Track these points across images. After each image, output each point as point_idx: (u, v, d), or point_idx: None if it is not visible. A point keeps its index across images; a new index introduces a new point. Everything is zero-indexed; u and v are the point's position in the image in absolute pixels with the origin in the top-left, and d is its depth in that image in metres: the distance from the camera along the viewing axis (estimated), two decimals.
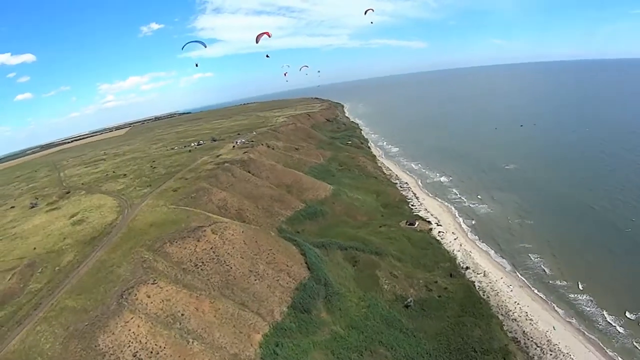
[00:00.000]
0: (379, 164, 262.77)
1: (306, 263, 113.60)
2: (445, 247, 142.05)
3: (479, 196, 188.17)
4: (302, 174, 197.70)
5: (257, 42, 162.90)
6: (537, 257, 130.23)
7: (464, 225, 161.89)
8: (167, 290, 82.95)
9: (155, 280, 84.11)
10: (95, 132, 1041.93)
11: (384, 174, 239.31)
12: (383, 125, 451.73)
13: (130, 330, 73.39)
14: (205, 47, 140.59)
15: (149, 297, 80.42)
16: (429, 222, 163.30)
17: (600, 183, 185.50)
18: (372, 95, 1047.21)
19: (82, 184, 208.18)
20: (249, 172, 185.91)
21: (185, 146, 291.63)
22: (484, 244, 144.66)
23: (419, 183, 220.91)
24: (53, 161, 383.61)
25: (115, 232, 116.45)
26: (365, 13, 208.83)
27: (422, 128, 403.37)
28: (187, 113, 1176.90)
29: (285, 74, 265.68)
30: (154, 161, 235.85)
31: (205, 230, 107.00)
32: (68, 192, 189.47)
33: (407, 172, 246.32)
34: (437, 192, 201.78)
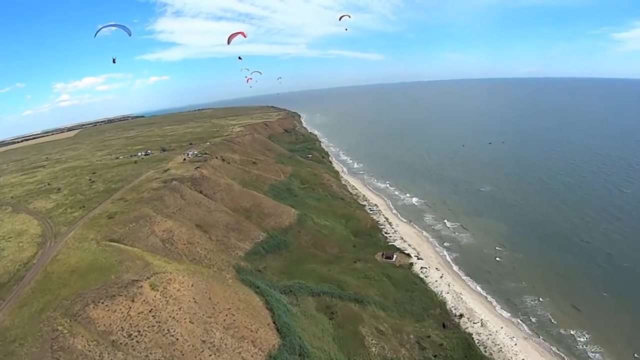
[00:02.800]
0: (344, 182, 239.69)
1: (274, 322, 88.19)
2: (432, 287, 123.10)
3: (457, 222, 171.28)
4: (263, 196, 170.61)
5: (228, 42, 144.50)
6: (534, 300, 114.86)
7: (447, 259, 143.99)
8: None
9: None
10: (47, 132, 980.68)
11: (350, 193, 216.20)
12: (342, 137, 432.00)
13: None
14: (130, 35, 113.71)
15: None
16: (408, 254, 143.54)
17: (582, 209, 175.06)
18: (329, 105, 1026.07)
19: (12, 197, 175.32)
20: (200, 192, 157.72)
21: (131, 155, 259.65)
22: (474, 283, 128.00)
23: (390, 205, 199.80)
24: None
25: (29, 278, 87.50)
26: (340, 19, 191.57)
27: (383, 142, 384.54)
28: (141, 117, 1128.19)
29: (248, 79, 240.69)
30: (94, 173, 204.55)
31: (142, 286, 78.52)
32: None
33: (375, 192, 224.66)
34: (411, 217, 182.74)
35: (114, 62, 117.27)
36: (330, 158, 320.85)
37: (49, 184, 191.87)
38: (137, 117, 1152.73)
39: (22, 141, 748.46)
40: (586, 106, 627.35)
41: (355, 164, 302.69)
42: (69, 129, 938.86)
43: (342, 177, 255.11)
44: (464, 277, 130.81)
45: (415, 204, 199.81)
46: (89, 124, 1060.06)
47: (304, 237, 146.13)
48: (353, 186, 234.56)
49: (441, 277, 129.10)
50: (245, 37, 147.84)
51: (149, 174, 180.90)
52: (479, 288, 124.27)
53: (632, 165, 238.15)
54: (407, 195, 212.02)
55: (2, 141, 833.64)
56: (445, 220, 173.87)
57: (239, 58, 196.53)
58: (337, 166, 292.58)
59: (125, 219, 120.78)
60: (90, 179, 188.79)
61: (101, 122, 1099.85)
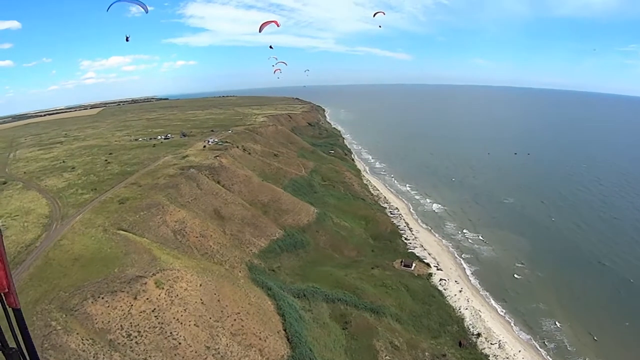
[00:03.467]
0: (365, 182, 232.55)
1: (285, 330, 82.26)
2: (450, 302, 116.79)
3: (478, 234, 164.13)
4: (282, 191, 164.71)
5: (260, 30, 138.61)
6: (553, 324, 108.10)
7: (467, 272, 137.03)
8: None
9: None
10: (71, 107, 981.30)
11: (372, 194, 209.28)
12: (366, 135, 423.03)
13: None
14: (147, 12, 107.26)
15: None
16: (428, 264, 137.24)
17: (604, 231, 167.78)
18: (354, 102, 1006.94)
19: (25, 172, 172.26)
20: (218, 182, 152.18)
21: (150, 138, 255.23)
22: (493, 300, 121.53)
23: (411, 210, 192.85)
24: (14, 136, 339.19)
25: (29, 262, 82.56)
26: (374, 15, 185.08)
27: (407, 143, 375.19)
28: (165, 99, 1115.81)
29: (275, 70, 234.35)
30: (110, 154, 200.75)
31: (146, 283, 73.00)
32: (4, 183, 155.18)
33: (397, 194, 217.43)
34: (432, 224, 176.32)
35: (127, 40, 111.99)
36: (352, 155, 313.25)
37: (63, 162, 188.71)
38: (161, 99, 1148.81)
39: (45, 115, 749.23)
40: (612, 123, 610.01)
41: (378, 163, 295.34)
42: (93, 107, 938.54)
43: (363, 176, 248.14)
44: (482, 293, 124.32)
45: (436, 210, 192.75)
46: (112, 103, 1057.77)
47: (322, 238, 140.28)
48: (374, 186, 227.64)
49: (460, 291, 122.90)
50: (278, 26, 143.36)
51: (166, 159, 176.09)
52: (497, 306, 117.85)
53: None
54: (429, 200, 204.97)
55: (25, 114, 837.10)
56: (466, 231, 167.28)
57: (270, 47, 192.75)
58: (359, 164, 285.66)
59: (137, 205, 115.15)
60: (106, 160, 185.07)
61: (125, 101, 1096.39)
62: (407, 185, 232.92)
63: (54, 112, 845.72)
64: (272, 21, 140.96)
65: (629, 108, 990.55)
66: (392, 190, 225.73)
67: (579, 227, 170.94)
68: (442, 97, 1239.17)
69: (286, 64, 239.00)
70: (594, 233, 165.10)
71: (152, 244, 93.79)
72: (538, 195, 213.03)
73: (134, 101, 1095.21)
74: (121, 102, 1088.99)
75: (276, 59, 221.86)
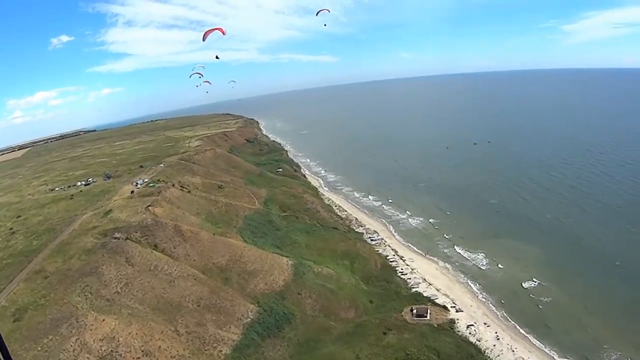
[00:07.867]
0: (327, 202, 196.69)
1: None
2: (494, 357, 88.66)
3: (478, 250, 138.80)
4: (242, 244, 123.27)
5: (204, 39, 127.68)
6: (614, 354, 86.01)
7: (490, 305, 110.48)
8: None
9: None
10: (1, 150, 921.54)
11: (341, 218, 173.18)
12: (308, 145, 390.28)
13: None
14: None
15: None
16: (444, 306, 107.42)
17: (610, 217, 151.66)
18: (287, 110, 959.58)
19: None
20: (155, 247, 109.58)
21: (69, 186, 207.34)
22: (536, 339, 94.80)
23: (391, 230, 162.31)
24: None
25: None
26: (317, 14, 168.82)
27: (352, 148, 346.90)
28: (93, 131, 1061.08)
29: (204, 82, 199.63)
30: (19, 216, 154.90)
31: None
32: None
33: (367, 212, 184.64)
34: (422, 246, 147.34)
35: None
36: (302, 170, 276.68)
37: None
38: (89, 131, 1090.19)
39: None
40: (551, 98, 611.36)
41: (331, 175, 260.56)
42: (20, 148, 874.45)
43: (322, 194, 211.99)
44: (520, 331, 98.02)
45: (418, 226, 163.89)
46: (40, 141, 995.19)
47: (307, 301, 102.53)
48: (339, 206, 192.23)
49: (497, 338, 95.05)
50: (224, 34, 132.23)
51: (84, 220, 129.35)
52: (547, 349, 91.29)
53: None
54: (404, 215, 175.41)
55: None
56: (460, 247, 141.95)
57: (217, 57, 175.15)
58: (312, 180, 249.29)
59: (40, 323, 71.31)
60: (11, 229, 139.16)
61: (52, 138, 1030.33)
62: (372, 197, 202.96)
63: None
64: (217, 29, 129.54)
65: (556, 81, 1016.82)
66: (359, 207, 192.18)
67: (574, 217, 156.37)
68: (374, 94, 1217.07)
69: (210, 83, 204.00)
70: (598, 222, 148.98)
71: None
72: (518, 189, 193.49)
73: (62, 137, 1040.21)
74: (49, 139, 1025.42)
75: (203, 67, 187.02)
